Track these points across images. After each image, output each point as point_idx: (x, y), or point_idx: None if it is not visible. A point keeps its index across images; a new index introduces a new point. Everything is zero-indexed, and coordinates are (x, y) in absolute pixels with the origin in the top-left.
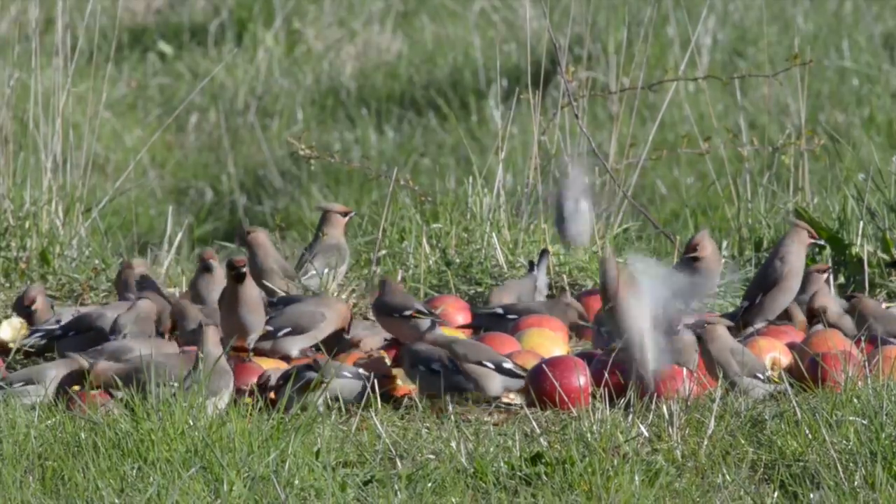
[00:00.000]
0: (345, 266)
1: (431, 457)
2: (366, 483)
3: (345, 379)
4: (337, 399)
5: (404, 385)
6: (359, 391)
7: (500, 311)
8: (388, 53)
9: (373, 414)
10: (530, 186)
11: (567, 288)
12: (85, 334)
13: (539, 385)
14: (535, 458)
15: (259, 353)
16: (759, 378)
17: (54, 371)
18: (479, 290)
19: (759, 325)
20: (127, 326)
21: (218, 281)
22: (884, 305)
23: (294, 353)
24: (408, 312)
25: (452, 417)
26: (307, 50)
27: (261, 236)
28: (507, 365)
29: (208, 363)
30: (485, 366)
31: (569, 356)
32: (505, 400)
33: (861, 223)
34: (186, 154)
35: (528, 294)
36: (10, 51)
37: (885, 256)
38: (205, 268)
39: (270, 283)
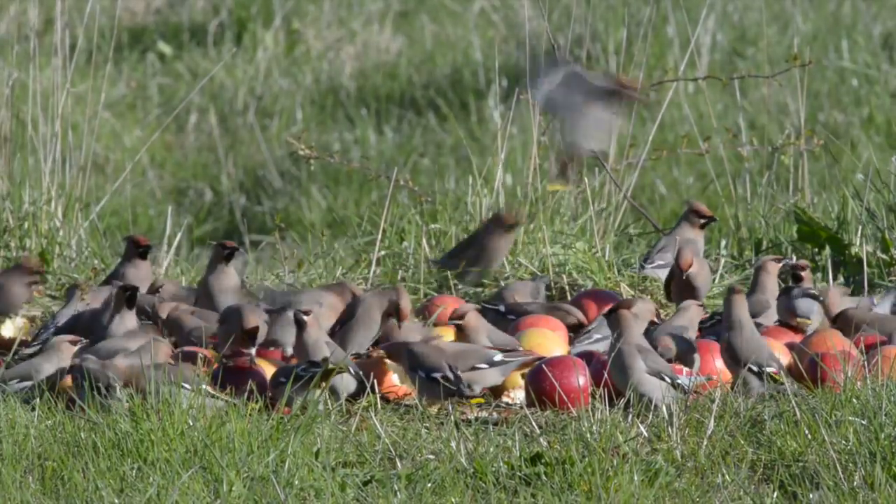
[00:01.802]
0: None
1: (431, 457)
2: (365, 483)
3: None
4: (335, 396)
5: (403, 385)
6: (353, 388)
7: (501, 308)
8: (388, 53)
9: (372, 414)
10: (529, 186)
11: (566, 288)
12: (84, 334)
13: (539, 385)
14: (535, 458)
15: (259, 353)
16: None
17: (45, 364)
18: (479, 290)
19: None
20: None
21: (231, 276)
22: (874, 300)
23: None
24: (436, 375)
25: (452, 418)
26: (306, 50)
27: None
28: (498, 357)
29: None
30: (478, 368)
31: (568, 356)
32: (505, 399)
33: (861, 223)
34: (186, 154)
35: (533, 297)
36: (9, 51)
37: (885, 257)
38: (226, 256)
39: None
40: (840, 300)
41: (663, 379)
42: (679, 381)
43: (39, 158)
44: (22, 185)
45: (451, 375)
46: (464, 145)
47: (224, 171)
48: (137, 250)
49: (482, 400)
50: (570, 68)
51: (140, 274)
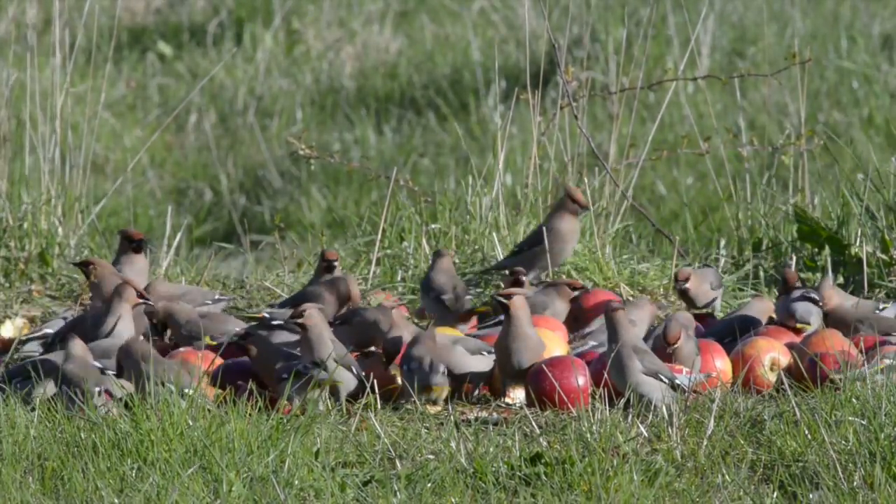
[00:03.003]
0: None
1: (431, 457)
2: (365, 483)
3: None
4: (335, 396)
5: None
6: (353, 387)
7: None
8: (388, 53)
9: (372, 414)
10: (529, 186)
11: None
12: (84, 335)
13: (538, 385)
14: (535, 458)
15: None
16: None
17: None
18: (479, 290)
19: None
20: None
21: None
22: (881, 306)
23: None
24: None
25: (452, 418)
26: (306, 50)
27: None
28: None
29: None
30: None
31: (568, 356)
32: (506, 399)
33: (861, 223)
34: (186, 154)
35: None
36: (8, 51)
37: (885, 257)
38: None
39: None
40: (835, 298)
41: (660, 379)
42: (677, 381)
43: (39, 158)
44: (21, 184)
45: (427, 365)
46: (464, 145)
47: (224, 171)
48: (131, 245)
49: (446, 388)
50: None
51: (136, 269)
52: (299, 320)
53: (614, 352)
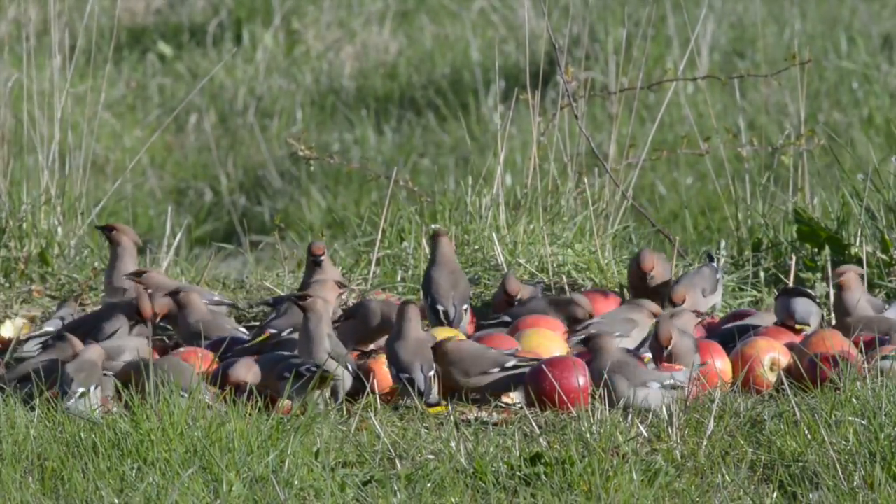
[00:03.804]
0: None
1: (431, 457)
2: (365, 483)
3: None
4: (334, 395)
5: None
6: (350, 386)
7: (507, 319)
8: (387, 54)
9: (372, 414)
10: (529, 186)
11: (566, 288)
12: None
13: (538, 385)
14: (535, 459)
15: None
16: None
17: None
18: (479, 290)
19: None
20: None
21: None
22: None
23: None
24: (404, 376)
25: (452, 418)
26: (306, 50)
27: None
28: (510, 363)
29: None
30: (489, 374)
31: (568, 356)
32: (505, 400)
33: (860, 223)
34: (186, 154)
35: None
36: (9, 51)
37: (885, 257)
38: (314, 262)
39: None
40: (856, 285)
41: (649, 386)
42: (667, 383)
43: (39, 158)
44: (20, 184)
45: (420, 378)
46: (464, 145)
47: (224, 171)
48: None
49: (443, 409)
50: None
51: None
52: (302, 303)
53: (602, 377)
